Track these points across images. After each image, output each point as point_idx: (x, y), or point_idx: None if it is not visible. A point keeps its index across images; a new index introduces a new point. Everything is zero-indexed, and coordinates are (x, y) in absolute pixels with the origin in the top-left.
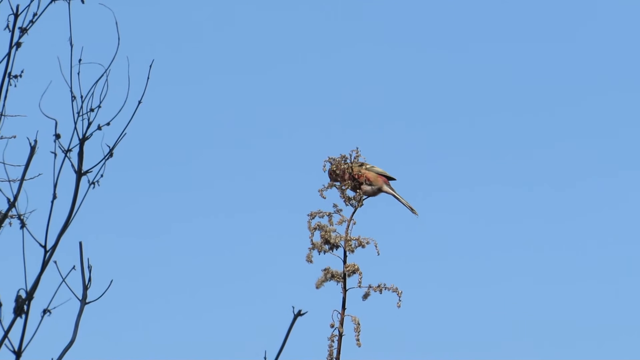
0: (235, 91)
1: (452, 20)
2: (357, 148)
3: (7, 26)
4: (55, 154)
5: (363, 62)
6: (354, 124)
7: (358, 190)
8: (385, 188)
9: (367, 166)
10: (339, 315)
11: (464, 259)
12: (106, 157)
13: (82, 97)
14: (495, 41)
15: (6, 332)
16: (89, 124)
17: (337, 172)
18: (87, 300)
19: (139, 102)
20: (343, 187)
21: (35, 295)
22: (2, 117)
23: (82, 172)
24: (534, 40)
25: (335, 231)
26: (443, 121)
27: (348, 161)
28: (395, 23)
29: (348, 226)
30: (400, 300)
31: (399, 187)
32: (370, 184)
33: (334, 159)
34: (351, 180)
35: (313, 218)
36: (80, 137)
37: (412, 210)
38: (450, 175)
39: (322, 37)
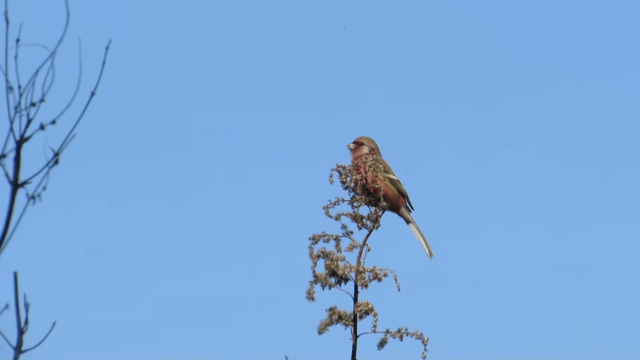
0: (210, 84)
1: (491, 17)
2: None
3: None
4: None
5: (392, 66)
6: (378, 127)
7: (375, 208)
8: (404, 212)
9: (392, 178)
10: None
11: (500, 287)
12: (50, 164)
13: (20, 87)
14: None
15: None
16: (29, 121)
17: (348, 185)
18: (23, 348)
19: (92, 94)
20: (355, 204)
21: None
22: None
23: (19, 182)
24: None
25: (344, 260)
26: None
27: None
28: (430, 23)
29: (360, 253)
30: (426, 350)
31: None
32: (389, 202)
33: (343, 167)
34: (365, 194)
35: (316, 242)
36: (18, 138)
37: (427, 249)
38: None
39: (339, 41)
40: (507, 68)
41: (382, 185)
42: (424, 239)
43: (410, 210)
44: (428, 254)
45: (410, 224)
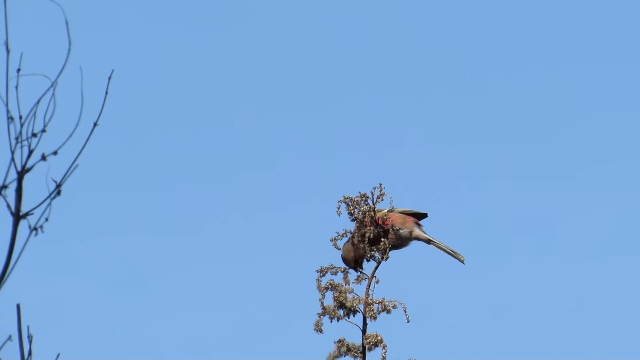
0: (213, 110)
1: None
2: (381, 184)
3: None
4: None
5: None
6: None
7: (383, 240)
8: (418, 232)
9: (398, 211)
10: None
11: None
12: (52, 195)
13: (21, 118)
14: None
15: None
16: (30, 152)
17: (356, 216)
18: None
19: (95, 124)
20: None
21: None
22: None
23: (21, 214)
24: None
25: (352, 292)
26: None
27: (369, 202)
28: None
29: (369, 285)
30: None
31: (433, 227)
32: (399, 230)
33: (350, 199)
34: (374, 226)
35: (324, 275)
36: (19, 169)
37: (457, 256)
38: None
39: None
40: (540, 97)
41: (390, 215)
42: (450, 249)
43: (423, 225)
44: (460, 259)
45: (432, 242)
